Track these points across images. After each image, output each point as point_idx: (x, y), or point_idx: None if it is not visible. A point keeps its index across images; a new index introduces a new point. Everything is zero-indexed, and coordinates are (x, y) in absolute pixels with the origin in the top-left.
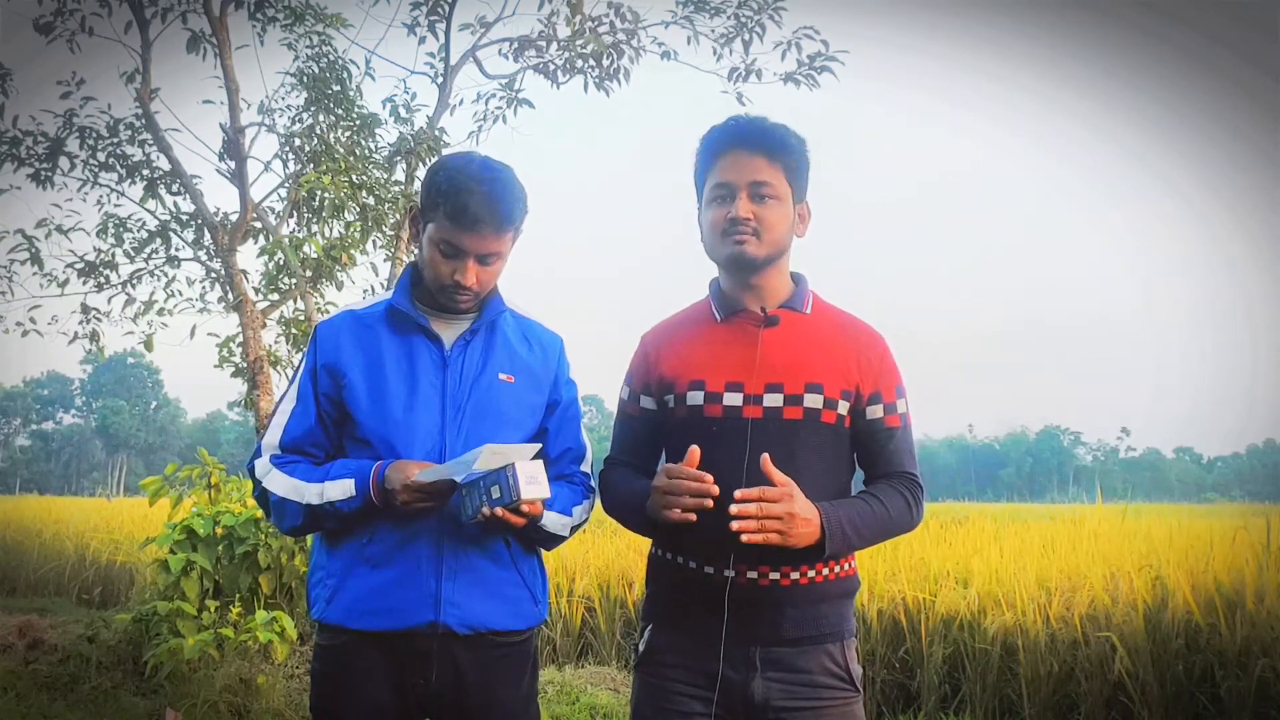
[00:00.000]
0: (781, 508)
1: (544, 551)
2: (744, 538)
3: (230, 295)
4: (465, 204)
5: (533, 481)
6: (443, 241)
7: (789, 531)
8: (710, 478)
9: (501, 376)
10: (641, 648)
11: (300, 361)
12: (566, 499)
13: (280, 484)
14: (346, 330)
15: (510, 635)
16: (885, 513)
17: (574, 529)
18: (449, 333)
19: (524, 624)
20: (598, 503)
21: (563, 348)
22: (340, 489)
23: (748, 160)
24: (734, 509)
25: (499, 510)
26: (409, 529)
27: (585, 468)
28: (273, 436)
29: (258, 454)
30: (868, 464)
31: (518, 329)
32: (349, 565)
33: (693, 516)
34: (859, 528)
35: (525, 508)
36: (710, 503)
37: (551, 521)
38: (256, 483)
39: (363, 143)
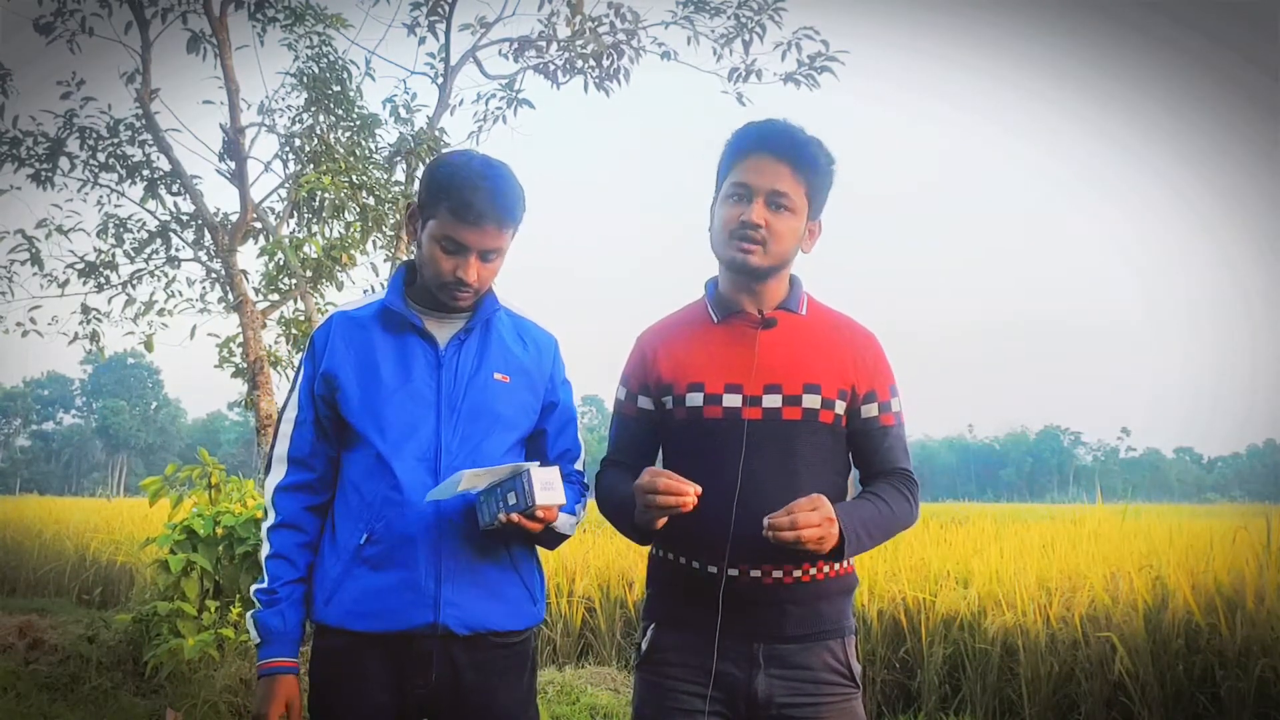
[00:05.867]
0: (819, 514)
1: (543, 551)
2: (789, 536)
3: (230, 296)
4: (470, 200)
5: (548, 488)
6: (445, 238)
7: (828, 535)
8: (693, 487)
9: (496, 376)
10: (644, 647)
11: (299, 367)
12: (570, 498)
13: (264, 550)
14: (339, 333)
15: (509, 636)
16: (890, 513)
17: (575, 526)
18: (443, 332)
19: (523, 624)
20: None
21: (558, 348)
22: (251, 624)
23: (772, 167)
24: (768, 531)
25: (514, 516)
26: (408, 530)
27: (580, 467)
28: (281, 448)
29: (269, 467)
30: (864, 462)
31: (512, 328)
32: (348, 566)
33: (673, 506)
34: (870, 530)
35: (540, 513)
36: (691, 504)
37: (562, 522)
38: (266, 493)
39: (363, 143)
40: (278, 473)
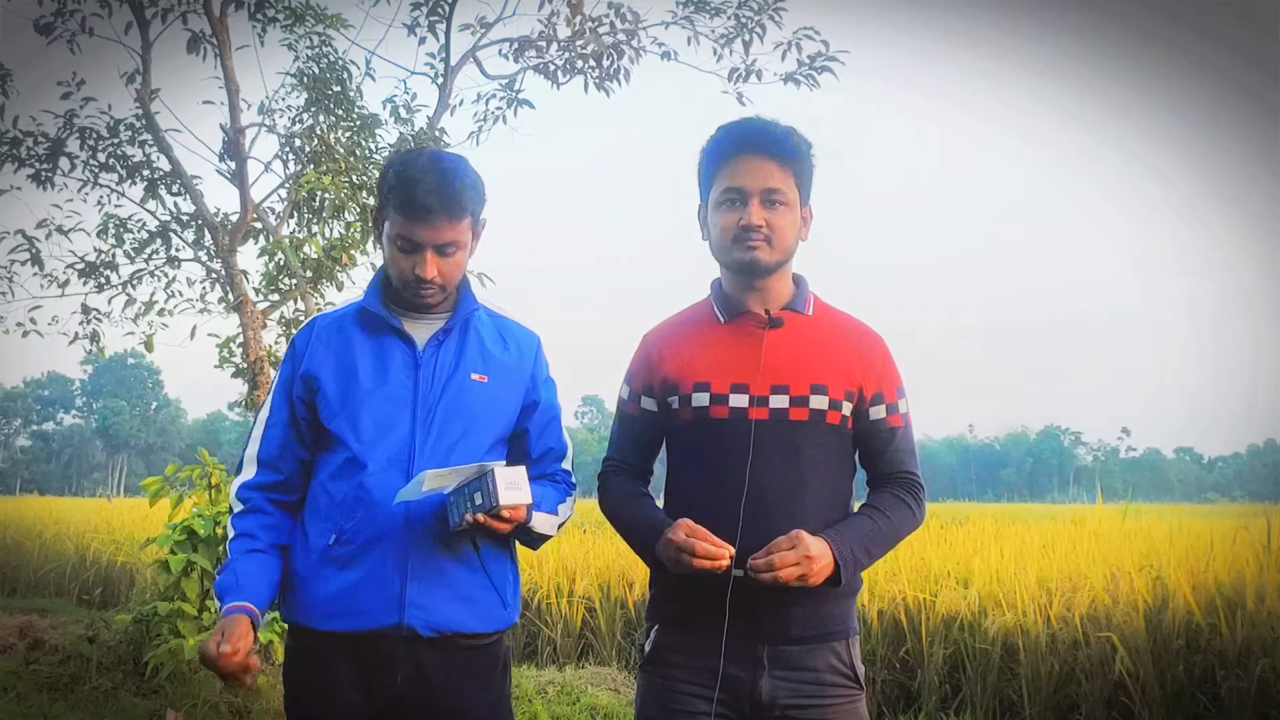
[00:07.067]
0: (796, 553)
1: (544, 551)
2: (766, 578)
3: (230, 296)
4: (414, 195)
5: (512, 487)
6: (399, 237)
7: (809, 571)
8: (729, 549)
9: (474, 376)
10: (647, 648)
11: (280, 370)
12: (552, 498)
13: (236, 508)
14: (320, 336)
15: (477, 638)
16: (890, 525)
17: (559, 526)
18: (421, 333)
19: (491, 627)
20: (581, 501)
21: (540, 346)
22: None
23: (760, 166)
24: (752, 572)
25: (480, 516)
26: (376, 530)
27: (566, 465)
28: (252, 449)
29: (240, 468)
30: (870, 464)
31: (493, 327)
32: (316, 566)
33: (706, 570)
34: (868, 547)
35: (506, 513)
36: (724, 565)
37: (539, 522)
38: (234, 493)
39: (363, 143)
40: (247, 473)
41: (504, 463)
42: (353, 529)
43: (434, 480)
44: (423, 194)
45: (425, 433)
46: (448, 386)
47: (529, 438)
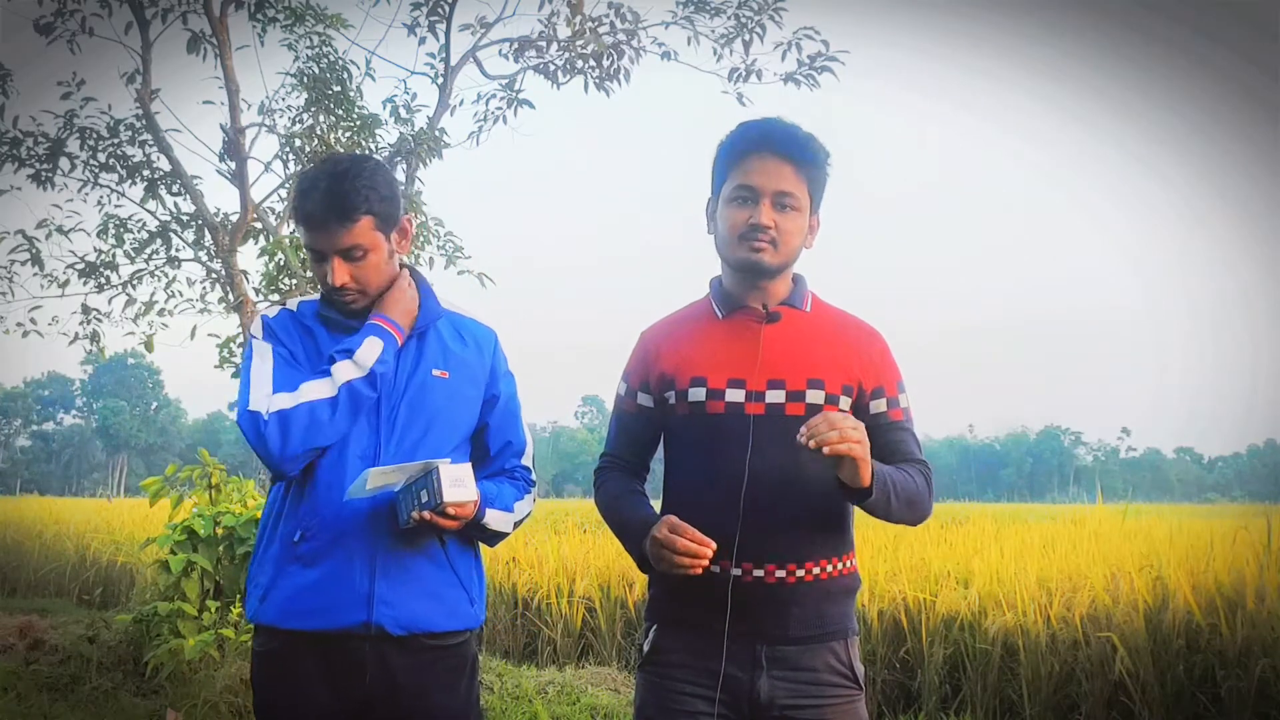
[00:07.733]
0: (849, 422)
1: (543, 551)
2: (826, 450)
3: (231, 296)
4: (306, 205)
5: (457, 484)
6: (307, 249)
7: (863, 440)
8: (710, 545)
9: (435, 373)
10: (646, 648)
11: (248, 344)
12: (509, 495)
13: (288, 399)
14: (290, 322)
15: (446, 637)
16: (913, 482)
17: (517, 524)
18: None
19: (460, 625)
20: (582, 501)
21: (497, 341)
22: (370, 349)
23: (776, 167)
24: (803, 432)
25: (426, 514)
26: (341, 527)
27: (526, 461)
28: (261, 390)
29: (245, 406)
30: (878, 459)
31: (451, 325)
32: (281, 564)
33: (687, 567)
34: (896, 483)
35: (452, 510)
36: (704, 564)
37: (495, 519)
38: (255, 418)
39: (363, 143)
40: (262, 401)
41: (448, 460)
42: (318, 525)
43: (378, 478)
44: (312, 203)
45: (389, 429)
46: (409, 384)
47: (488, 432)
